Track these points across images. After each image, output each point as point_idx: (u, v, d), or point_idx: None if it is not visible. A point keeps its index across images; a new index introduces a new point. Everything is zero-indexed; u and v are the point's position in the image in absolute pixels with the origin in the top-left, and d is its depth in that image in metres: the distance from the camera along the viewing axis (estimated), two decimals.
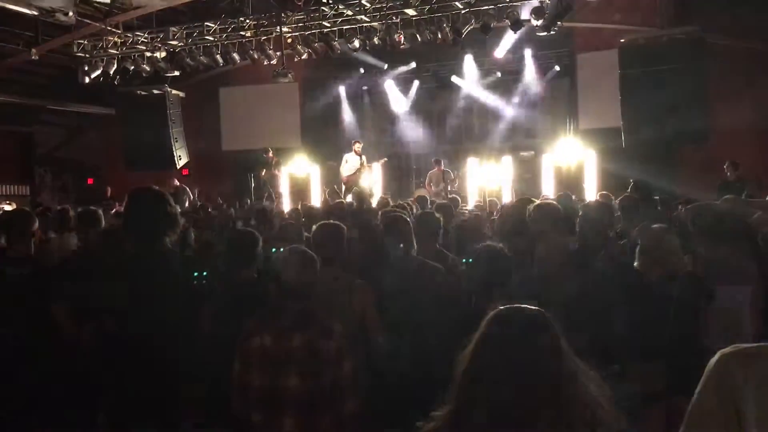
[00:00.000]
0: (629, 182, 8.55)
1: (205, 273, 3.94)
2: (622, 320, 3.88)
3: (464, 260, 4.42)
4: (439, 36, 11.98)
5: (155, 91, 14.73)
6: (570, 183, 13.24)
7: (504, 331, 1.74)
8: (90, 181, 18.31)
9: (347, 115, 17.09)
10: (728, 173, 11.00)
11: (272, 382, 2.90)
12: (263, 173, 14.20)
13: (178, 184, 14.00)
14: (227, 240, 4.31)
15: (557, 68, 15.62)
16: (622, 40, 11.49)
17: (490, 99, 16.36)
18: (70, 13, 10.45)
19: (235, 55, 13.24)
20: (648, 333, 3.74)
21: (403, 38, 12.20)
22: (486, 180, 14.45)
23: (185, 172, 15.69)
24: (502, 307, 1.80)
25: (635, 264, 4.05)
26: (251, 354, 2.96)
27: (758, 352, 1.48)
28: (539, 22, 11.22)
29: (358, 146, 13.91)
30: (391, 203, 8.56)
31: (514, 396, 1.64)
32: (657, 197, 6.54)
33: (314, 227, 4.24)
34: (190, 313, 3.36)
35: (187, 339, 3.26)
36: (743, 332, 3.88)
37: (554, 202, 5.84)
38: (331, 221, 4.42)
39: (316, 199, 14.37)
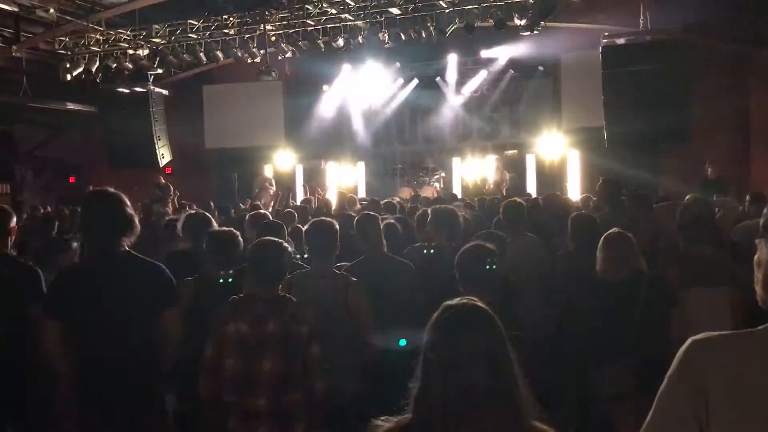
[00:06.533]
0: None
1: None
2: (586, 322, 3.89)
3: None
4: (423, 35, 11.99)
5: (138, 89, 14.62)
6: (554, 181, 13.32)
7: (449, 329, 1.73)
8: (72, 179, 18.13)
9: (331, 113, 17.02)
10: (708, 172, 11.13)
11: (247, 365, 3.06)
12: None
13: (164, 182, 13.85)
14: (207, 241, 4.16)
15: (541, 68, 15.67)
16: (605, 40, 11.55)
17: (474, 98, 16.38)
18: (51, 10, 10.36)
19: (219, 53, 13.16)
20: (613, 334, 3.73)
21: (387, 37, 12.21)
22: (471, 178, 14.54)
23: (168, 170, 15.57)
24: (445, 304, 1.80)
25: (596, 266, 3.97)
26: (227, 339, 3.10)
27: (726, 338, 1.51)
28: (523, 22, 11.27)
29: None
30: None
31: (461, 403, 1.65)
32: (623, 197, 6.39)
33: (307, 225, 4.29)
34: (150, 315, 3.25)
35: (145, 342, 3.21)
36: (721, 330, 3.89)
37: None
38: (325, 218, 4.40)
39: (300, 198, 14.35)
